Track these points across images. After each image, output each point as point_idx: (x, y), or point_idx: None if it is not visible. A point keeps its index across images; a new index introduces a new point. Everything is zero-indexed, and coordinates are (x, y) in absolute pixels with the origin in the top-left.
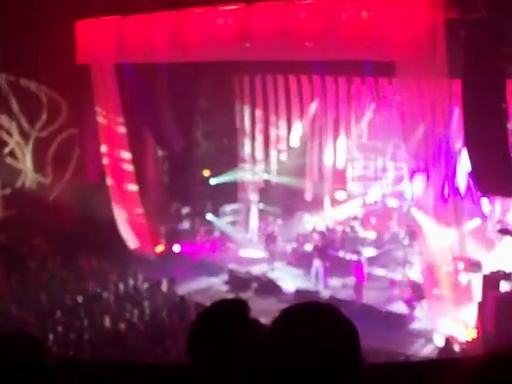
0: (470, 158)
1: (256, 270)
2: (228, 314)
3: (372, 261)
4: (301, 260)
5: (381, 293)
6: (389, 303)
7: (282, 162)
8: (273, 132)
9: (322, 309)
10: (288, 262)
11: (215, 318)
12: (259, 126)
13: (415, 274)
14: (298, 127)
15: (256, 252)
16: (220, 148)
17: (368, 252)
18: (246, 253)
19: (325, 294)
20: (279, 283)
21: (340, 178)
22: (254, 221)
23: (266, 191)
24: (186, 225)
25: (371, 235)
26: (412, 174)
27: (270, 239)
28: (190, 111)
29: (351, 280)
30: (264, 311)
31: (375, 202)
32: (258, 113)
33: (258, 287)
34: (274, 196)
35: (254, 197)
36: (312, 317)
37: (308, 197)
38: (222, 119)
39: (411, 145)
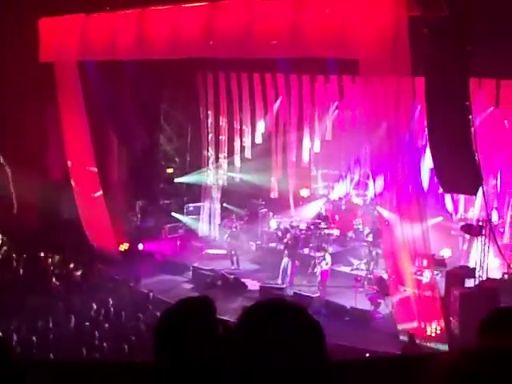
0: (433, 155)
1: (220, 267)
2: (193, 313)
3: (336, 258)
4: (265, 257)
5: (345, 290)
6: (353, 300)
7: (246, 160)
8: (237, 130)
9: (286, 307)
10: (252, 260)
11: (180, 316)
12: (223, 124)
13: (379, 270)
14: (262, 125)
15: (220, 250)
16: (184, 147)
17: (332, 249)
18: (210, 250)
19: (289, 291)
20: (244, 280)
21: (304, 175)
22: (217, 219)
23: (230, 189)
24: (150, 223)
25: (335, 232)
26: (375, 171)
27: (234, 237)
28: (155, 110)
29: (316, 277)
30: (229, 309)
31: (340, 198)
32: (222, 111)
33: (222, 285)
34: (238, 194)
35: (217, 195)
36: (276, 315)
37: (273, 195)
38: (186, 118)
39: (374, 142)
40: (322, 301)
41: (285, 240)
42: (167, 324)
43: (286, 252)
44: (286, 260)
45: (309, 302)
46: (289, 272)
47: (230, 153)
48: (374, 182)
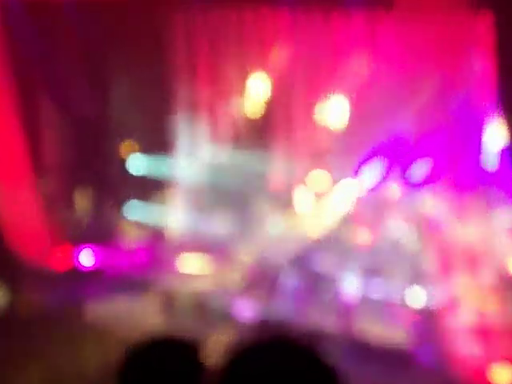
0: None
1: (199, 288)
2: (168, 356)
3: (365, 276)
4: (263, 276)
5: (377, 319)
6: (388, 334)
7: (235, 136)
8: (222, 92)
9: (290, 347)
10: (244, 279)
11: (150, 360)
12: (202, 84)
13: (426, 292)
14: (257, 84)
15: (198, 264)
16: (148, 118)
17: (359, 264)
18: (184, 264)
19: (297, 322)
20: (232, 306)
21: (318, 158)
22: (194, 220)
23: (213, 178)
24: (100, 222)
25: (363, 237)
26: (422, 151)
27: (217, 246)
28: (106, 66)
29: (334, 304)
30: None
31: (368, 190)
32: (201, 63)
33: (201, 312)
34: (223, 185)
35: (194, 187)
36: (277, 358)
37: (273, 186)
38: (151, 75)
39: (415, 111)
40: (344, 337)
41: (292, 252)
42: (133, 371)
43: (290, 268)
44: (290, 280)
45: (324, 338)
46: (293, 296)
47: (213, 127)
48: (421, 167)
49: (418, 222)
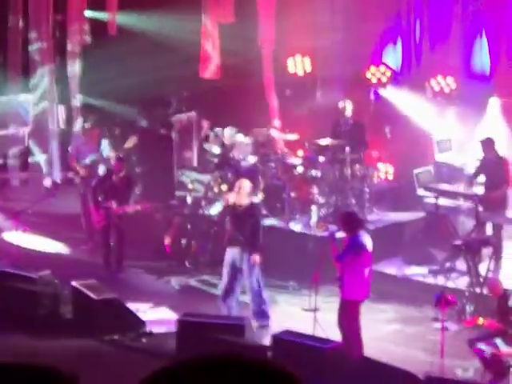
0: None
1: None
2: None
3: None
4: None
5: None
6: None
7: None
8: None
9: (249, 369)
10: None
11: None
12: None
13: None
14: None
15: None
16: None
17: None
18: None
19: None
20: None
21: None
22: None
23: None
24: None
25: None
26: None
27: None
28: None
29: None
30: None
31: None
32: None
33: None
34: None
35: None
36: None
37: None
38: None
39: None
40: (348, 353)
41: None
42: None
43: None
44: (235, 252)
45: (311, 353)
46: (254, 281)
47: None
48: None
49: None
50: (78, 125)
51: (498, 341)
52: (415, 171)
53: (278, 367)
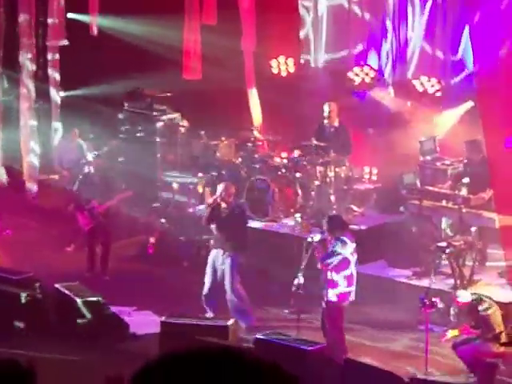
0: None
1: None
2: None
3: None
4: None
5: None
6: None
7: None
8: None
9: (232, 363)
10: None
11: None
12: None
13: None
14: None
15: None
16: None
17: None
18: None
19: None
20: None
21: None
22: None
23: None
24: None
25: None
26: None
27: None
28: None
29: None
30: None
31: None
32: None
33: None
34: None
35: None
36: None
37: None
38: None
39: None
40: (331, 355)
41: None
42: None
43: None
44: (219, 253)
45: (294, 355)
46: (228, 281)
47: None
48: None
49: None
50: (59, 127)
51: (480, 342)
52: (399, 172)
53: (261, 359)
